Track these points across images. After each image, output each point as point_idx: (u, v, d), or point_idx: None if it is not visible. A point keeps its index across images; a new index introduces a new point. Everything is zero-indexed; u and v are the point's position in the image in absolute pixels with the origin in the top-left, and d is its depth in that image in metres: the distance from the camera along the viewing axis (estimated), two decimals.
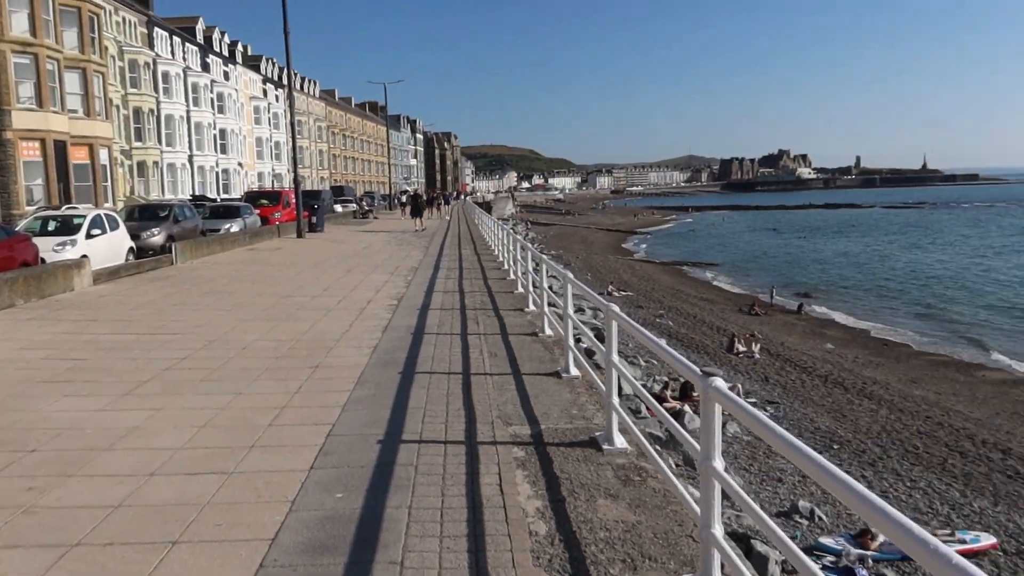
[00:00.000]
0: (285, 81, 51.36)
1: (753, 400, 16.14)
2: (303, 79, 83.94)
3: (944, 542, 5.96)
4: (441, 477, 4.72)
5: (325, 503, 4.39)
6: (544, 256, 9.78)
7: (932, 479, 12.20)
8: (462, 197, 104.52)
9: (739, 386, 16.50)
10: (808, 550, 9.07)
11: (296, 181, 30.67)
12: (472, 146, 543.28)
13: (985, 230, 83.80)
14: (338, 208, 51.24)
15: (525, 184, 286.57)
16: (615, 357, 4.96)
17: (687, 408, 13.97)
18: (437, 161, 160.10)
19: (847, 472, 11.73)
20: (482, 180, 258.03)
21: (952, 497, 11.41)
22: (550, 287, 10.51)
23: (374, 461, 5.07)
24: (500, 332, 9.83)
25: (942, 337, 28.64)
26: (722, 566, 2.99)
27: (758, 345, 22.47)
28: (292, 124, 31.26)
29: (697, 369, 3.18)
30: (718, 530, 2.84)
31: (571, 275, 7.17)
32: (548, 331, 9.51)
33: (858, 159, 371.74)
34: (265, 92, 72.99)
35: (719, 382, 2.82)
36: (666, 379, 16.26)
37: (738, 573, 2.61)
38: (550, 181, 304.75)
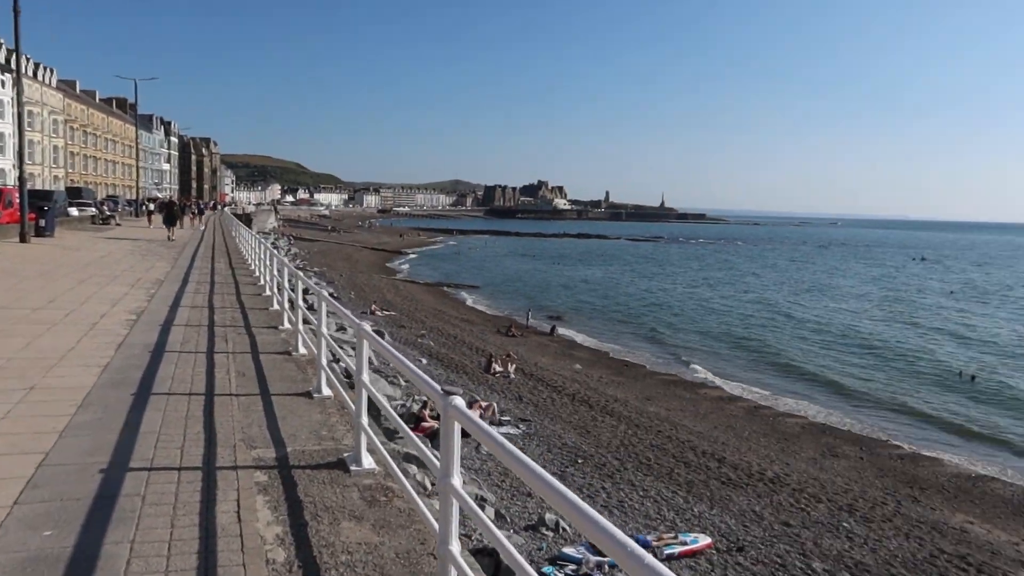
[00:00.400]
0: (14, 65, 44.96)
1: (507, 418, 16.73)
2: (37, 65, 74.44)
3: (668, 544, 6.49)
4: (172, 507, 4.32)
5: (29, 543, 3.83)
6: (300, 272, 9.42)
7: (661, 488, 13.40)
8: (219, 207, 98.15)
9: (495, 405, 17.02)
10: (553, 560, 9.50)
11: (21, 178, 27.00)
12: (234, 154, 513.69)
13: (705, 263, 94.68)
14: (73, 211, 45.80)
15: (290, 198, 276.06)
16: (365, 376, 4.88)
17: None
18: (194, 167, 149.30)
19: (590, 484, 12.57)
20: (244, 191, 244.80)
21: (677, 503, 12.61)
22: (309, 305, 10.17)
23: (94, 493, 4.53)
24: (251, 350, 9.29)
25: (671, 358, 31.81)
26: None
27: (514, 365, 23.42)
28: (20, 114, 27.49)
29: (438, 388, 3.21)
30: (455, 546, 2.87)
31: (326, 292, 6.97)
32: (302, 350, 9.14)
33: (607, 194, 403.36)
34: None
35: (458, 401, 2.87)
36: (425, 398, 16.36)
37: None
38: (316, 196, 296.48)
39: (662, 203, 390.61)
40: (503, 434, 13.34)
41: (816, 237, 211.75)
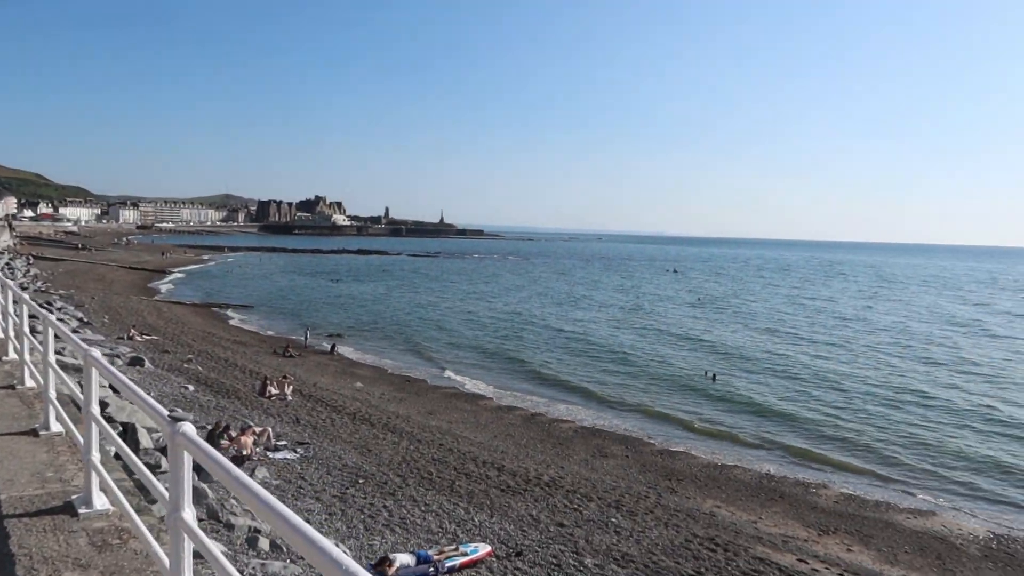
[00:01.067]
0: None
1: (284, 442, 15.94)
2: None
3: (449, 557, 6.41)
4: None
5: None
6: (25, 294, 8.24)
7: (443, 501, 13.41)
8: None
9: (270, 430, 16.13)
10: None
11: None
12: None
13: (478, 278, 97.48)
14: None
15: (29, 212, 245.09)
16: (95, 408, 4.31)
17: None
18: None
19: (371, 503, 12.25)
20: None
21: (458, 515, 12.67)
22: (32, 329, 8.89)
23: None
24: None
25: (447, 371, 32.21)
26: None
27: (291, 387, 22.45)
28: None
29: (164, 412, 2.89)
30: None
31: (52, 316, 6.12)
32: (30, 382, 7.99)
33: (387, 209, 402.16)
34: None
35: (187, 427, 2.59)
36: (217, 421, 15.22)
37: None
38: (62, 211, 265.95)
39: (441, 219, 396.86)
40: (279, 459, 12.67)
41: (581, 251, 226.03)
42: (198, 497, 10.27)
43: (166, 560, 2.82)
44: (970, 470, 20.79)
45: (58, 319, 28.71)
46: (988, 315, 64.42)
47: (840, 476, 19.74)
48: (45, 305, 32.85)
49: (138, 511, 3.79)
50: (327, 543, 1.67)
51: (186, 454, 2.63)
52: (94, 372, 4.37)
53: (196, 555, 6.73)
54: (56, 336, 5.94)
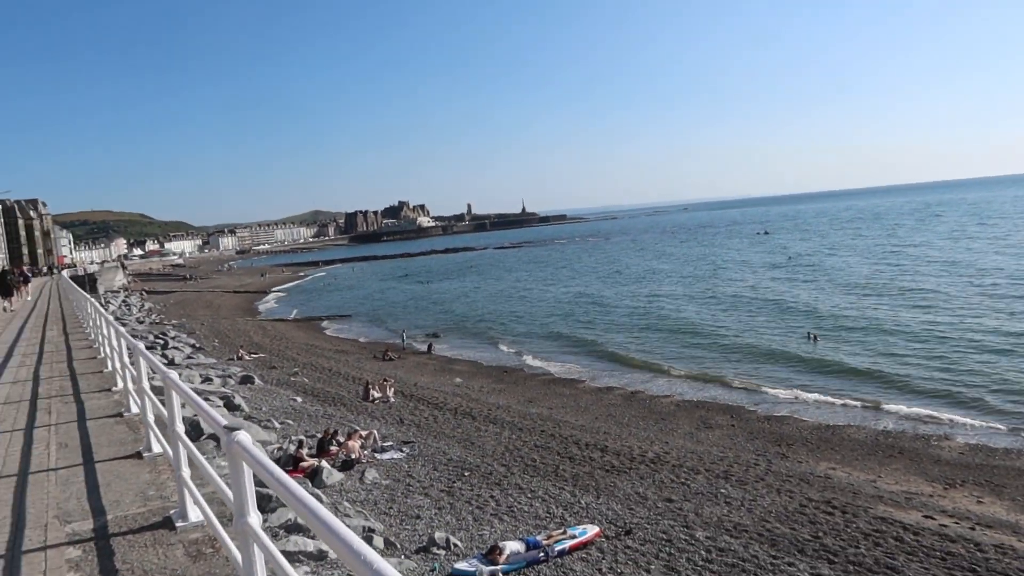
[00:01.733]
0: None
1: (390, 443, 16.31)
2: None
3: (558, 541, 6.42)
4: None
5: None
6: (123, 327, 8.73)
7: (548, 486, 13.44)
8: (57, 271, 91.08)
9: (375, 432, 16.56)
10: None
11: None
12: (69, 213, 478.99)
13: (562, 262, 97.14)
14: None
15: (138, 251, 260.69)
16: (179, 427, 4.54)
17: (324, 464, 13.64)
18: (22, 232, 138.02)
19: (478, 495, 12.40)
20: (85, 250, 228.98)
21: (564, 499, 12.67)
22: (170, 360, 9.41)
23: None
24: (78, 418, 8.52)
25: (543, 358, 32.26)
26: None
27: (392, 389, 22.98)
28: None
29: (222, 422, 2.97)
30: None
31: (141, 345, 6.45)
32: (135, 408, 8.49)
33: (469, 206, 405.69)
34: None
35: (242, 436, 2.66)
36: (301, 437, 15.74)
37: None
38: (167, 246, 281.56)
39: (523, 209, 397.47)
40: (387, 459, 12.97)
41: (665, 224, 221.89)
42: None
43: (241, 563, 2.92)
44: None
45: (173, 347, 30.27)
46: None
47: (962, 427, 18.67)
48: (160, 336, 34.81)
49: (228, 520, 3.96)
50: (363, 545, 1.68)
51: (243, 462, 2.71)
52: (174, 394, 4.60)
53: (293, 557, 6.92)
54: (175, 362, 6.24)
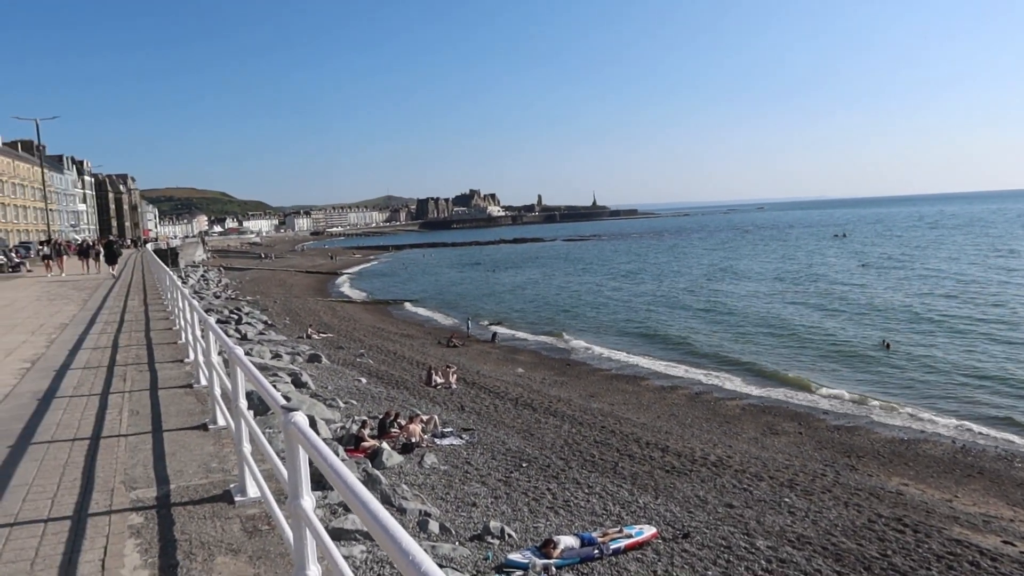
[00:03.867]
0: None
1: (450, 429, 16.39)
2: None
3: (613, 539, 6.30)
4: (31, 563, 3.95)
5: None
6: (196, 301, 8.96)
7: (606, 483, 13.28)
8: (141, 244, 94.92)
9: (436, 417, 16.67)
10: (499, 568, 9.26)
11: None
12: (155, 189, 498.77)
13: (636, 257, 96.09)
14: None
15: (218, 228, 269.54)
16: (242, 403, 4.59)
17: (385, 445, 13.78)
18: (112, 206, 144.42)
19: (535, 487, 12.35)
20: (168, 225, 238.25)
21: (622, 497, 12.49)
22: (243, 335, 9.66)
23: None
24: (150, 387, 8.81)
25: (610, 353, 31.93)
26: None
27: (455, 376, 23.12)
28: None
29: (281, 401, 2.95)
30: (312, 571, 2.63)
31: (212, 320, 6.59)
32: (204, 381, 8.71)
33: (540, 197, 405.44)
34: None
35: (298, 417, 2.62)
36: (364, 418, 15.95)
37: None
38: (245, 224, 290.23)
39: (594, 202, 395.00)
40: (446, 445, 13.05)
41: (739, 223, 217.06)
42: (372, 484, 10.78)
43: (293, 543, 2.91)
44: None
45: (246, 323, 31.16)
46: None
47: None
48: (235, 311, 35.90)
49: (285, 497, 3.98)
50: (404, 535, 1.60)
51: (299, 444, 2.68)
52: (239, 369, 4.65)
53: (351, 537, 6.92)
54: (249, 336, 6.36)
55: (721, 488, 13.32)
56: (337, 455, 10.53)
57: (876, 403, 22.27)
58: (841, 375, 26.11)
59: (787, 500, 12.74)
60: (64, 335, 14.42)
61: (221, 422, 6.65)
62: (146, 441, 6.41)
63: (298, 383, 18.04)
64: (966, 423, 19.92)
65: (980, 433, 19.04)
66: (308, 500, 2.66)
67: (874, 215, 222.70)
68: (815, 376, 26.06)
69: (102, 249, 37.99)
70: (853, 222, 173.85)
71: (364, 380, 21.66)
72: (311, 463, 2.71)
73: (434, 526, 10.06)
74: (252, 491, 4.80)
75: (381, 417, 15.84)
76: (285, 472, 2.91)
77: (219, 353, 6.56)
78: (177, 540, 4.23)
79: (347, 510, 8.81)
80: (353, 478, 2.00)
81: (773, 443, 17.76)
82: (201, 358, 8.58)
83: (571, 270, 79.88)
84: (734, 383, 25.48)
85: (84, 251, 36.95)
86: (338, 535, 7.70)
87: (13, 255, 47.36)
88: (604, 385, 25.10)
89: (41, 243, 54.22)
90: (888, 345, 30.11)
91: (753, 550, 10.18)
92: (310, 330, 33.07)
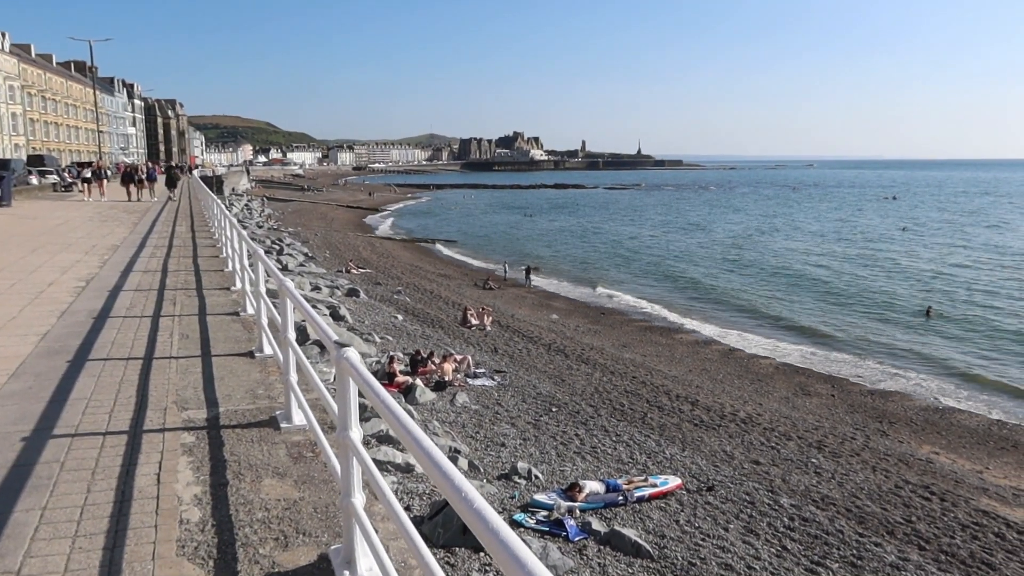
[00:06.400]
0: None
1: (483, 370, 16.62)
2: None
3: (638, 487, 6.45)
4: (91, 472, 4.20)
5: None
6: (245, 231, 9.13)
7: (634, 432, 13.42)
8: (188, 170, 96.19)
9: (469, 358, 16.90)
10: (524, 507, 9.50)
11: None
12: (202, 116, 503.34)
13: (676, 209, 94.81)
14: (34, 180, 44.74)
15: (262, 158, 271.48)
16: (291, 334, 4.73)
17: (418, 382, 14.05)
18: (160, 131, 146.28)
19: (563, 431, 12.55)
20: (214, 153, 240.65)
21: (649, 447, 12.62)
22: (284, 266, 9.88)
23: (12, 461, 4.39)
24: (199, 312, 9.09)
25: (643, 304, 31.88)
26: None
27: (490, 318, 23.30)
28: None
29: (333, 337, 3.05)
30: (358, 499, 2.77)
31: (261, 251, 6.74)
32: (250, 309, 8.95)
33: (584, 143, 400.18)
34: None
35: (350, 353, 2.72)
36: (398, 354, 16.24)
37: (369, 539, 2.55)
38: (289, 156, 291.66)
39: (639, 151, 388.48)
40: (478, 385, 13.28)
41: (787, 179, 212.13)
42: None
43: (340, 472, 3.04)
44: None
45: (287, 254, 31.71)
46: None
47: None
48: (277, 242, 36.46)
49: (330, 428, 4.14)
50: (458, 474, 1.68)
51: (350, 378, 2.78)
52: (288, 301, 4.78)
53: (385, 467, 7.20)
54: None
55: (748, 444, 13.39)
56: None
57: (912, 370, 22.00)
58: (879, 340, 25.76)
59: (814, 460, 12.77)
60: (116, 256, 14.86)
61: (267, 351, 6.85)
62: (196, 365, 6.65)
63: (336, 316, 18.37)
64: (1004, 396, 19.62)
65: (1018, 406, 18.76)
66: (356, 432, 2.78)
67: (929, 178, 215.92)
68: (852, 340, 25.76)
69: (164, 173, 39.97)
70: (907, 184, 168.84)
71: (400, 317, 21.95)
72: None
73: (463, 463, 10.30)
74: (298, 419, 4.98)
75: (413, 354, 16.13)
76: (334, 404, 3.04)
77: (265, 283, 6.73)
78: (227, 460, 4.44)
79: (380, 443, 9.07)
80: (403, 413, 2.09)
81: (804, 404, 17.72)
82: (248, 288, 8.80)
83: (611, 219, 79.22)
84: (769, 341, 25.33)
85: (128, 176, 36.41)
86: None
87: (66, 175, 48.40)
88: (637, 336, 25.13)
89: (80, 165, 53.28)
90: (929, 312, 29.56)
91: (776, 507, 10.28)
92: (349, 264, 33.48)
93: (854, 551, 9.08)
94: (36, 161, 53.34)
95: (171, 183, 37.67)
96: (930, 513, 10.84)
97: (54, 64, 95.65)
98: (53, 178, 47.00)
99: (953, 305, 31.22)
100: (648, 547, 8.29)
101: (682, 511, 9.94)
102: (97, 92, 74.79)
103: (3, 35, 76.65)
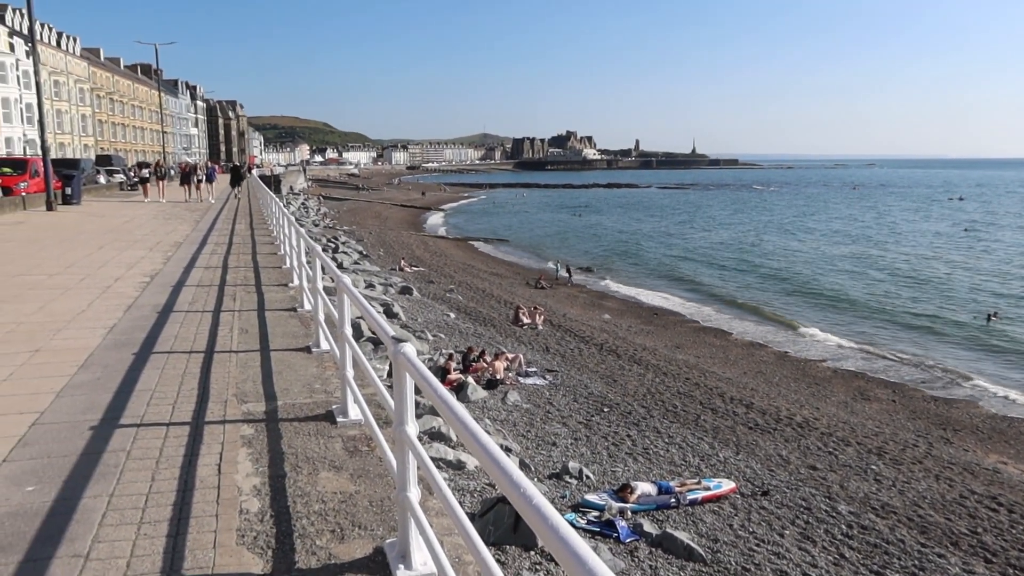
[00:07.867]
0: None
1: (534, 369, 16.63)
2: (60, 35, 74.85)
3: (691, 490, 6.39)
4: (155, 461, 4.35)
5: (11, 499, 3.87)
6: (303, 229, 9.32)
7: (687, 434, 13.25)
8: (247, 170, 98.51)
9: (521, 356, 16.92)
10: (575, 507, 9.47)
11: (44, 147, 27.30)
12: (261, 116, 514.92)
13: (735, 209, 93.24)
14: (102, 179, 46.46)
15: (318, 158, 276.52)
16: (347, 330, 4.82)
17: (470, 379, 14.13)
18: (221, 131, 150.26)
19: (615, 432, 12.46)
20: (272, 152, 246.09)
21: (703, 449, 12.45)
22: (340, 263, 10.08)
23: (81, 449, 4.57)
24: (257, 308, 9.32)
25: (701, 306, 31.46)
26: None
27: (542, 317, 23.28)
28: (37, 81, 27.73)
29: (391, 333, 3.07)
30: (413, 493, 2.80)
31: (318, 247, 6.89)
32: (308, 305, 9.14)
33: (637, 142, 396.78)
34: (12, 47, 64.20)
35: (407, 348, 2.74)
36: (451, 351, 16.34)
37: (425, 534, 2.57)
38: (344, 155, 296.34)
39: (693, 149, 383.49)
40: (529, 384, 13.31)
41: (848, 179, 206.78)
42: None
43: (395, 467, 3.08)
44: None
45: (342, 251, 32.23)
46: None
47: None
48: (332, 240, 37.08)
49: (385, 423, 4.19)
50: (517, 470, 1.68)
51: (407, 373, 2.81)
52: (346, 297, 4.86)
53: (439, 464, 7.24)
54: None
55: (805, 449, 13.10)
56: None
57: (976, 377, 21.23)
58: (941, 345, 24.94)
59: (874, 467, 12.43)
60: (179, 253, 15.33)
61: (324, 346, 6.98)
62: (254, 359, 6.81)
63: (390, 313, 18.58)
64: None
65: None
66: (412, 427, 2.81)
67: (997, 177, 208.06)
68: (913, 345, 25.01)
69: (230, 173, 42.83)
70: (980, 184, 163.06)
71: (453, 315, 22.08)
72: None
73: (514, 461, 10.33)
74: (354, 414, 5.06)
75: (465, 352, 16.22)
76: (390, 399, 3.07)
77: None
78: (285, 453, 4.54)
79: (432, 439, 9.15)
80: (461, 407, 2.10)
81: (863, 409, 17.26)
82: (306, 284, 8.98)
83: (665, 219, 78.39)
84: (826, 345, 24.75)
85: (187, 177, 36.73)
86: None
87: (132, 174, 50.12)
88: (691, 337, 24.81)
89: (139, 165, 54.18)
90: (991, 317, 28.48)
91: (834, 514, 10.04)
92: (403, 263, 33.83)
93: (916, 561, 8.82)
94: (104, 161, 55.35)
95: (236, 181, 39.72)
96: (997, 525, 10.44)
97: (122, 67, 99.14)
98: (120, 177, 48.78)
99: (1019, 312, 30.03)
100: (701, 551, 8.18)
101: (736, 515, 9.78)
102: (162, 94, 77.18)
103: (74, 40, 79.67)
